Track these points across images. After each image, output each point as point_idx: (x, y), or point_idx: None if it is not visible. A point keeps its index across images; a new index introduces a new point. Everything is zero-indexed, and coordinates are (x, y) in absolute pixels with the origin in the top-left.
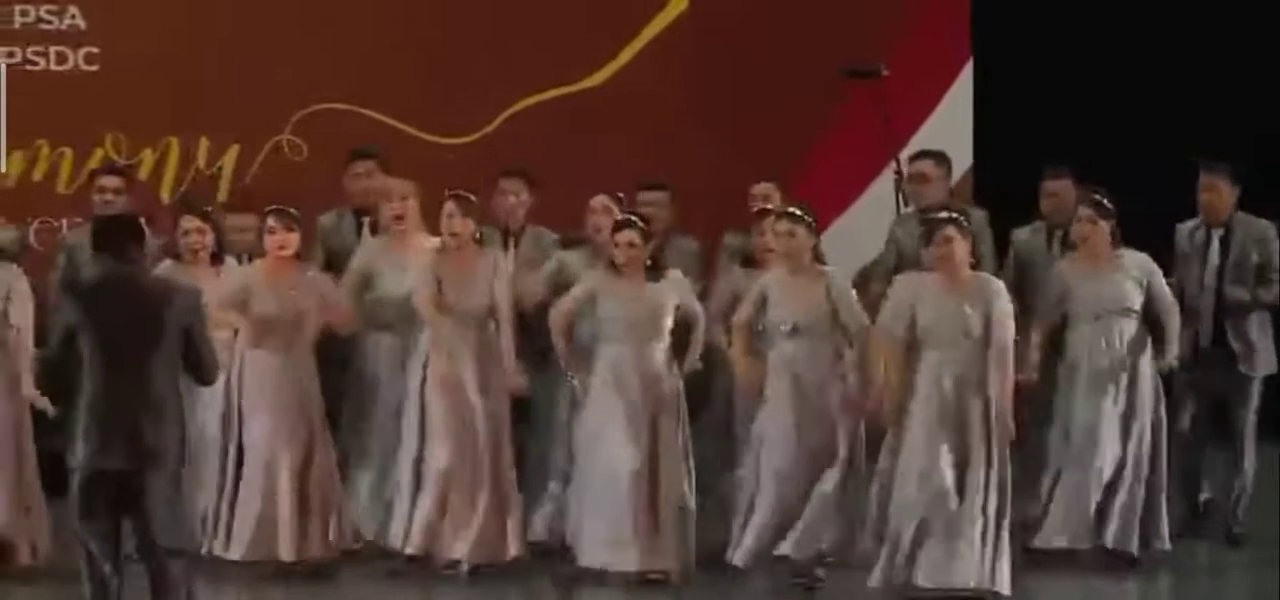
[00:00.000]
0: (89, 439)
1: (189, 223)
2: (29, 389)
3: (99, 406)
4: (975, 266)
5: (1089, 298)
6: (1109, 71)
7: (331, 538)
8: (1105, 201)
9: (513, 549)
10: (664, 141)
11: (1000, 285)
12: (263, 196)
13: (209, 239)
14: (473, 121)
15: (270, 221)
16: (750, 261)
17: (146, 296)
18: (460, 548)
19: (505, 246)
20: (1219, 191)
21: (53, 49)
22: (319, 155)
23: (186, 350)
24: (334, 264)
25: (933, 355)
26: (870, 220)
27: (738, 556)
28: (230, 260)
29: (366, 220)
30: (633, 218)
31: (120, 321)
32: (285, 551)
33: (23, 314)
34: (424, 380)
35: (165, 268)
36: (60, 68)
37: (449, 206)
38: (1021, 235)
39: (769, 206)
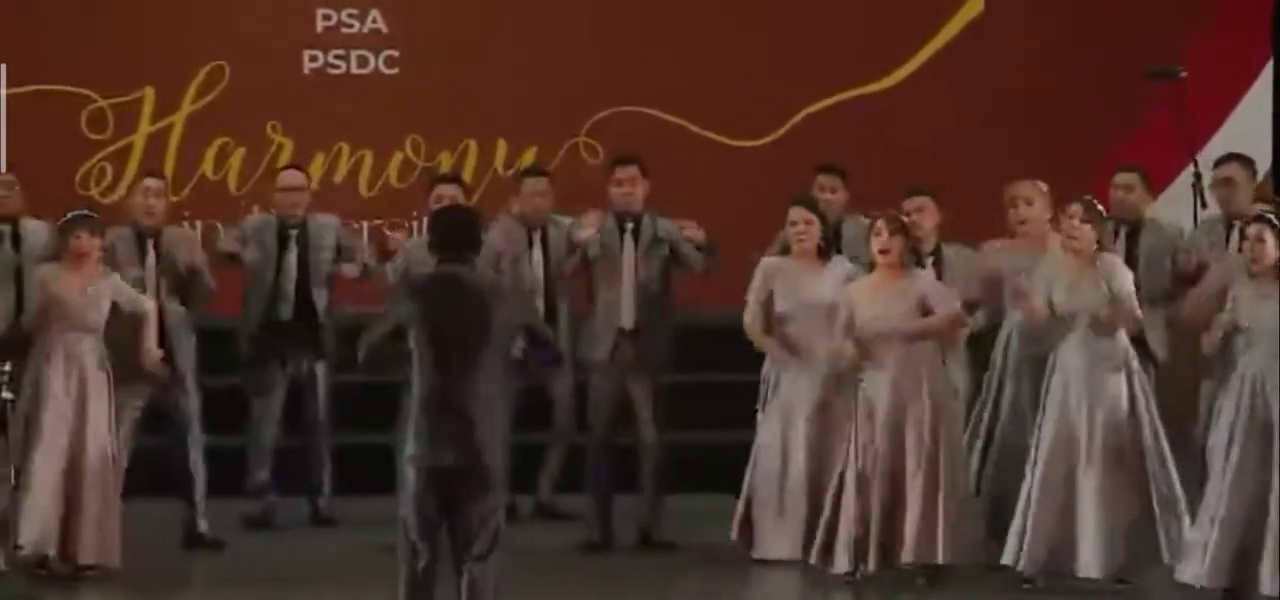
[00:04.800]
0: (419, 436)
1: (797, 214)
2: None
3: (429, 404)
4: None
5: None
6: None
7: (938, 546)
8: None
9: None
10: (957, 144)
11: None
12: (557, 198)
13: (815, 231)
14: (766, 124)
15: (877, 224)
16: None
17: (477, 294)
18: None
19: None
20: None
21: (354, 52)
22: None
23: (530, 345)
24: None
25: None
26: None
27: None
28: (839, 258)
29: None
30: (1268, 215)
31: (451, 319)
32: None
33: (130, 298)
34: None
35: (772, 264)
36: (361, 71)
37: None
38: None
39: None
